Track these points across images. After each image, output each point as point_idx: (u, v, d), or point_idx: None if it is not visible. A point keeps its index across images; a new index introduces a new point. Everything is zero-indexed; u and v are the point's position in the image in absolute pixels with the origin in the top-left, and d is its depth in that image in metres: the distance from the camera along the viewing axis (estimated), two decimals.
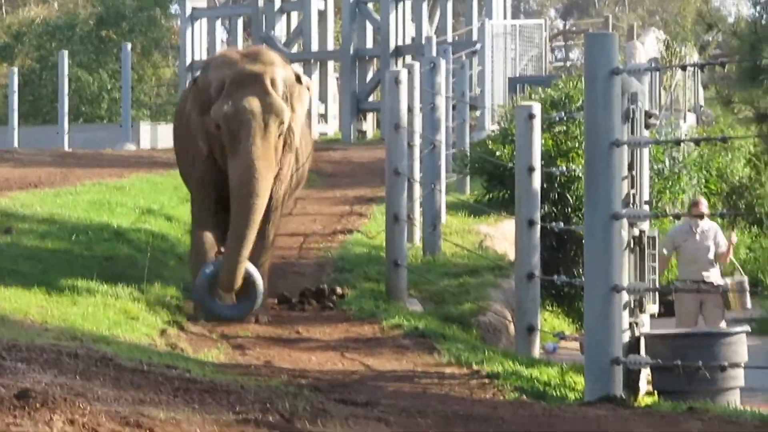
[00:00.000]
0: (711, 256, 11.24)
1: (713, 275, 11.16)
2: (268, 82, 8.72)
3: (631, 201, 8.41)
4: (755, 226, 24.78)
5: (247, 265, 8.73)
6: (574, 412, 7.15)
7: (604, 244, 7.24)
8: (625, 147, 7.71)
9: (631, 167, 8.28)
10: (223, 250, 9.22)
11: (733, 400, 8.79)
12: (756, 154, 24.03)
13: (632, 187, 8.40)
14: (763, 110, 15.14)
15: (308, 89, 9.45)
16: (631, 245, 8.60)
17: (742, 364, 9.07)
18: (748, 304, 11.32)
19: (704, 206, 11.29)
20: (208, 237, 9.25)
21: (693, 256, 11.10)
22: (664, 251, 10.34)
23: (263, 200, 8.67)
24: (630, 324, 8.52)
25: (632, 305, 8.78)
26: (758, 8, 19.73)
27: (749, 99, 15.59)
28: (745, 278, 11.73)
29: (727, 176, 23.67)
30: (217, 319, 8.94)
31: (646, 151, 9.35)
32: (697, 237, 11.23)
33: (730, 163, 23.67)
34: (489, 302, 11.34)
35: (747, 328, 10.32)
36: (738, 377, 9.12)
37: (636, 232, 8.66)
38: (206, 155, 9.06)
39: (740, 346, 9.37)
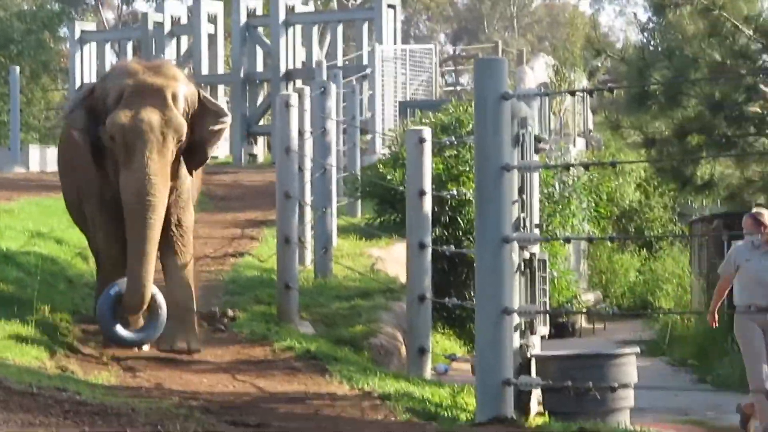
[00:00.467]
0: None
1: None
2: (169, 96, 8.42)
3: (522, 224, 8.70)
4: (644, 249, 25.63)
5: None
6: None
7: (495, 266, 7.14)
8: (515, 171, 7.59)
9: (521, 191, 8.61)
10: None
11: (623, 420, 9.27)
12: (646, 179, 24.73)
13: (522, 210, 8.67)
14: (651, 135, 15.60)
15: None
16: (522, 268, 8.87)
17: (632, 385, 9.45)
18: None
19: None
20: (118, 265, 8.93)
21: (758, 277, 9.30)
22: (725, 272, 9.34)
23: (159, 216, 8.30)
24: (521, 345, 8.93)
25: (523, 327, 9.11)
26: (646, 34, 20.20)
27: (637, 124, 16.14)
28: None
29: (617, 200, 24.31)
30: (120, 345, 8.73)
31: (536, 175, 9.66)
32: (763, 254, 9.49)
33: (619, 187, 24.17)
34: (380, 324, 11.20)
35: (636, 349, 10.90)
36: (628, 397, 9.60)
37: (527, 255, 8.93)
38: (96, 170, 8.74)
39: (630, 367, 9.82)
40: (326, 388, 8.77)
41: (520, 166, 8.06)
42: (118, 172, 8.38)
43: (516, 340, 8.55)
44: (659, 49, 17.83)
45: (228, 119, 9.09)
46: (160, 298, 8.57)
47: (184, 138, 8.42)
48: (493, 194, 7.10)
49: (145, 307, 8.37)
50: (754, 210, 9.61)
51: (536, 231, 9.69)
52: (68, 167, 9.77)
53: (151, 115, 8.24)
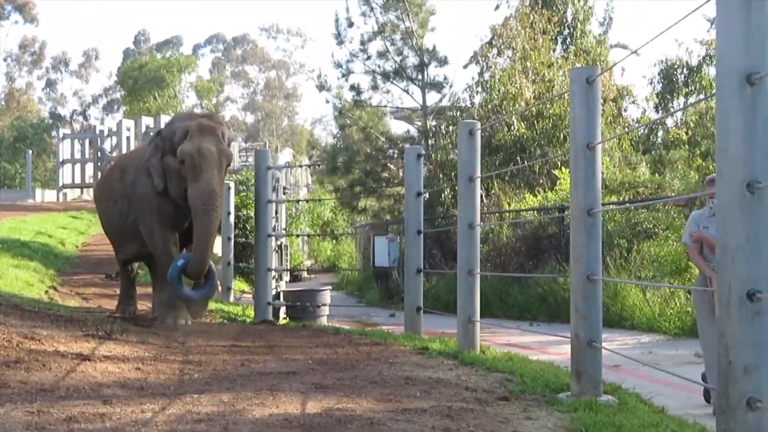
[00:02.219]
0: None
1: None
2: (220, 135, 8.81)
3: (276, 228, 11.15)
4: (335, 240, 32.84)
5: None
6: (251, 326, 9.74)
7: (264, 249, 10.32)
8: (273, 203, 10.92)
9: (276, 212, 11.29)
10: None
11: (324, 321, 11.56)
12: (336, 206, 30.55)
13: (277, 221, 11.33)
14: (337, 186, 22.89)
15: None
16: (276, 248, 11.56)
17: (328, 304, 12.06)
18: None
19: None
20: (174, 255, 9.04)
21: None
22: (690, 240, 7.02)
23: (219, 213, 8.74)
24: (276, 286, 11.33)
25: (277, 277, 11.64)
26: (336, 139, 26.72)
27: (331, 180, 23.55)
28: None
29: (322, 218, 31.27)
30: (185, 300, 8.89)
31: (283, 205, 12.25)
32: None
33: (323, 210, 30.95)
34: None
35: (329, 287, 13.25)
36: (326, 310, 12.09)
37: (279, 242, 11.59)
38: (161, 190, 8.91)
39: (326, 295, 12.23)
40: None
41: (276, 201, 11.06)
42: (181, 188, 8.67)
43: (273, 283, 10.98)
44: (342, 146, 23.38)
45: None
46: (214, 269, 8.98)
47: (232, 164, 9.11)
48: (263, 214, 10.36)
49: (203, 274, 8.67)
50: (711, 176, 7.00)
51: (283, 231, 11.88)
52: (110, 198, 9.94)
53: (212, 145, 8.64)
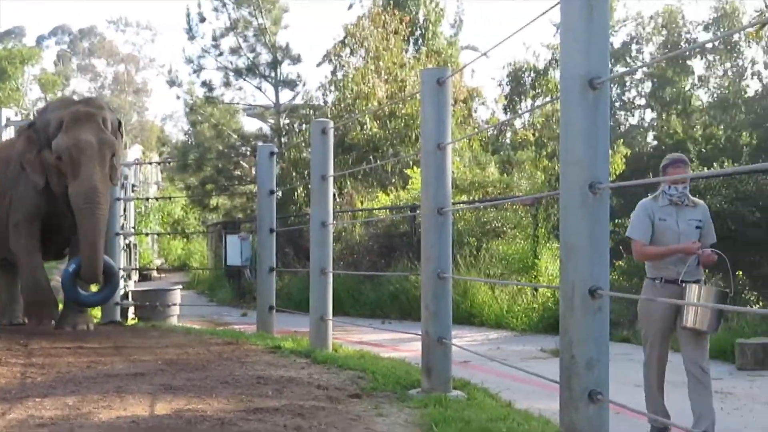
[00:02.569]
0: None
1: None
2: (100, 121, 8.00)
3: (125, 226, 10.68)
4: (186, 239, 30.80)
5: (106, 259, 8.21)
6: (98, 327, 9.25)
7: (112, 247, 9.99)
8: (122, 201, 10.56)
9: (125, 210, 10.73)
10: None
11: (174, 321, 11.37)
12: (186, 205, 29.69)
13: (125, 219, 10.76)
14: (188, 184, 21.58)
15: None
16: (125, 247, 11.00)
17: (178, 304, 11.84)
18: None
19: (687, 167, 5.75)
20: (39, 260, 8.48)
21: (679, 240, 5.60)
22: (641, 237, 5.64)
23: (105, 211, 7.95)
24: (124, 286, 10.64)
25: (125, 277, 10.93)
26: (187, 136, 25.89)
27: (181, 178, 21.93)
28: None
29: (172, 215, 29.95)
30: (83, 306, 8.52)
31: (132, 203, 11.34)
32: (681, 214, 5.70)
33: (173, 208, 29.39)
34: None
35: (180, 286, 12.95)
36: (176, 310, 11.81)
37: (128, 241, 11.14)
38: (43, 188, 8.14)
39: (177, 294, 12.00)
40: None
41: (124, 198, 10.68)
42: (63, 185, 7.94)
43: (121, 283, 10.13)
44: (193, 143, 22.80)
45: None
46: (116, 269, 8.45)
47: (117, 153, 8.21)
48: (112, 214, 9.81)
49: (100, 278, 8.05)
50: (675, 155, 5.78)
51: (132, 230, 11.13)
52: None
53: (90, 136, 7.83)
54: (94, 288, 8.72)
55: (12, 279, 9.46)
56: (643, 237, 5.63)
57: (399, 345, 9.85)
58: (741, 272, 10.54)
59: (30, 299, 8.46)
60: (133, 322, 10.94)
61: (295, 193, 19.99)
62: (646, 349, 5.71)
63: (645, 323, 5.77)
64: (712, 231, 5.68)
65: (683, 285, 5.47)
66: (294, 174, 20.49)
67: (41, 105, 50.18)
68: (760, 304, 10.00)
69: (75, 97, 9.23)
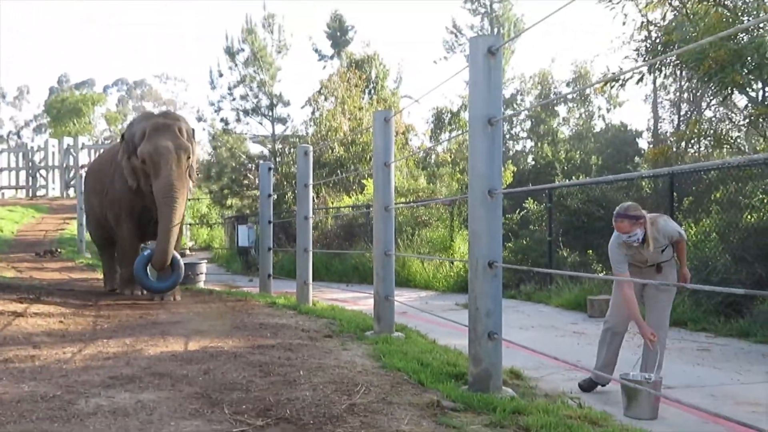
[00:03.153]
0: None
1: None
2: (176, 130, 7.03)
3: None
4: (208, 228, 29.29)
5: (174, 253, 7.01)
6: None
7: None
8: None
9: None
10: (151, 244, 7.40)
11: (201, 285, 10.76)
12: None
13: None
14: (210, 189, 19.84)
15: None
16: None
17: (204, 273, 11.44)
18: None
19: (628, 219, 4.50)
20: (135, 244, 7.51)
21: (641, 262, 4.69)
22: (623, 270, 4.53)
23: (181, 206, 6.87)
24: None
25: None
26: (210, 156, 24.06)
27: (206, 185, 20.97)
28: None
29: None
30: (150, 291, 7.13)
31: None
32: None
33: (201, 207, 28.21)
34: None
35: (206, 260, 12.54)
36: (203, 278, 11.19)
37: None
38: (135, 188, 7.16)
39: (203, 266, 11.52)
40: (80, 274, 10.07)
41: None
42: (149, 184, 6.97)
43: None
44: (214, 161, 22.17)
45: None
46: (179, 260, 7.12)
47: (192, 157, 7.08)
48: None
49: (167, 265, 6.92)
50: (619, 208, 4.56)
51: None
52: (94, 191, 8.18)
53: (168, 142, 6.89)
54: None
55: (113, 256, 8.52)
56: (623, 270, 4.54)
57: (359, 301, 9.70)
58: (591, 251, 10.70)
59: (124, 273, 7.62)
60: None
61: (286, 196, 19.72)
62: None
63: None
64: (678, 232, 4.57)
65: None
66: (285, 183, 20.26)
67: (107, 134, 48.83)
68: (603, 272, 10.01)
69: (155, 111, 8.03)
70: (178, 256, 7.04)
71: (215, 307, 6.69)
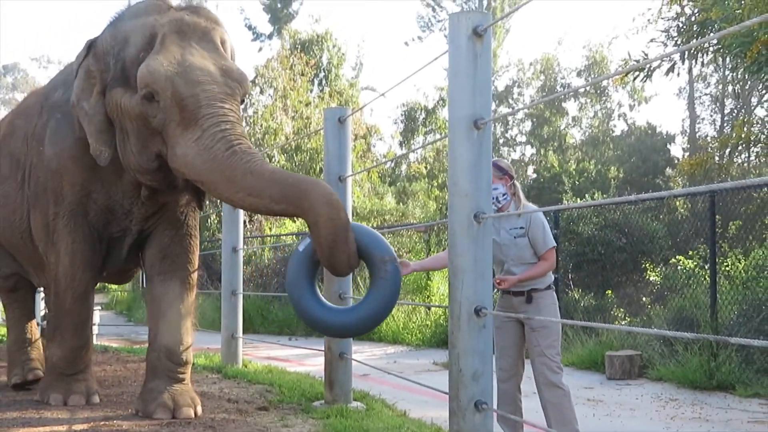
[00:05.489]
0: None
1: None
2: (218, 41, 4.45)
3: None
4: None
5: None
6: None
7: None
8: None
9: None
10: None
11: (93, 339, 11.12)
12: None
13: None
14: None
15: None
16: None
17: (97, 324, 9.89)
18: None
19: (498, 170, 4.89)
20: (87, 280, 5.02)
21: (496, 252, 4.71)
22: None
23: (262, 164, 4.12)
24: (44, 307, 8.65)
25: (45, 297, 10.29)
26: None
27: None
28: None
29: None
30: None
31: None
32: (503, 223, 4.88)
33: None
34: None
35: (99, 307, 12.39)
36: (94, 330, 10.50)
37: None
38: (108, 160, 4.45)
39: (95, 315, 11.38)
40: None
41: None
42: (147, 150, 4.32)
43: (42, 304, 9.53)
44: None
45: None
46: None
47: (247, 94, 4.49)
48: None
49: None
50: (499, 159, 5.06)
51: None
52: None
53: (209, 63, 4.28)
54: None
55: (27, 307, 6.49)
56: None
57: (304, 360, 9.71)
58: (610, 291, 10.74)
59: (57, 348, 4.98)
60: None
61: (209, 220, 19.27)
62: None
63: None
64: (542, 239, 4.69)
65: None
66: (207, 201, 20.08)
67: None
68: (627, 320, 10.14)
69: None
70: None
71: (111, 371, 6.58)
